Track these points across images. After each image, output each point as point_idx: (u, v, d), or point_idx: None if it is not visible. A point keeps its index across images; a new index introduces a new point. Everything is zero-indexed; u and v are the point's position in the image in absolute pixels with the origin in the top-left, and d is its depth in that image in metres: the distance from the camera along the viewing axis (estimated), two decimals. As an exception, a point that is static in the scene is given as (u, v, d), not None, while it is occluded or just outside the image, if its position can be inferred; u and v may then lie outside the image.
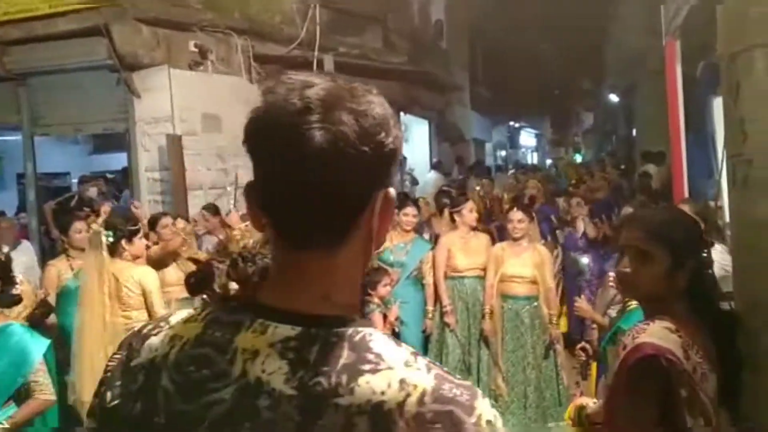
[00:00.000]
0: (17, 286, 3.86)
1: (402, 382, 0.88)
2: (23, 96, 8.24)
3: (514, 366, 5.80)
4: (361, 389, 0.87)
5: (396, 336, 2.71)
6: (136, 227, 4.90)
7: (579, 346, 4.11)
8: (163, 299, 4.66)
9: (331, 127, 0.89)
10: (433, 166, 14.69)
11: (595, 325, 4.67)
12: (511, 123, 31.35)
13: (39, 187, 8.79)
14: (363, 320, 0.96)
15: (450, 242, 6.20)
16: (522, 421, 5.71)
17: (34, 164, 8.55)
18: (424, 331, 6.11)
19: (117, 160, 10.64)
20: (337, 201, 0.91)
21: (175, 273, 5.17)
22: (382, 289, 5.24)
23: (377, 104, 0.94)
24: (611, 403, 2.00)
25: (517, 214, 5.86)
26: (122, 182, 9.73)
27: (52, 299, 4.94)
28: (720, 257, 3.11)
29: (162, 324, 1.02)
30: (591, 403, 2.63)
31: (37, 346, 3.51)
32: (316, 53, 9.54)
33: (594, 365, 4.09)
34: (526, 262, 5.80)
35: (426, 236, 7.14)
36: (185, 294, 4.56)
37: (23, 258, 6.45)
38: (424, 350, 5.90)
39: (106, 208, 6.92)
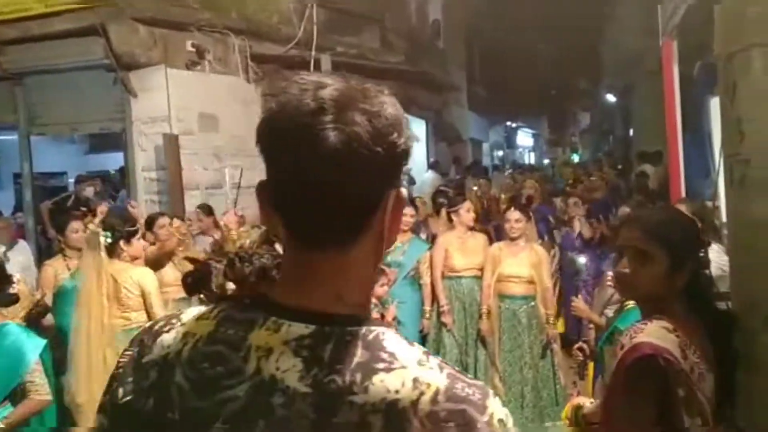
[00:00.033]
0: (14, 285, 3.85)
1: (415, 381, 0.89)
2: (20, 95, 8.22)
3: (511, 366, 5.80)
4: (376, 388, 0.88)
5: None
6: (135, 228, 4.89)
7: (576, 345, 4.11)
8: (161, 300, 4.66)
9: (345, 127, 0.89)
10: (431, 166, 14.69)
11: (592, 325, 4.67)
12: (508, 123, 31.35)
13: (35, 187, 8.78)
14: (375, 319, 0.97)
15: (447, 242, 6.20)
16: (519, 421, 5.70)
17: (31, 164, 8.52)
18: (421, 331, 6.11)
19: (113, 160, 10.63)
20: (350, 201, 0.92)
21: (172, 273, 5.16)
22: (380, 289, 5.23)
23: (389, 105, 0.95)
24: (609, 402, 2.00)
25: (514, 214, 5.86)
26: (119, 182, 9.72)
27: (48, 299, 4.92)
28: (717, 257, 3.11)
29: (174, 321, 1.03)
30: (588, 403, 2.63)
31: (33, 346, 3.50)
32: (313, 53, 9.53)
33: (591, 365, 4.09)
34: (523, 262, 5.80)
35: (423, 236, 7.14)
36: (182, 294, 4.55)
37: (20, 258, 6.44)
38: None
39: (102, 208, 6.89)
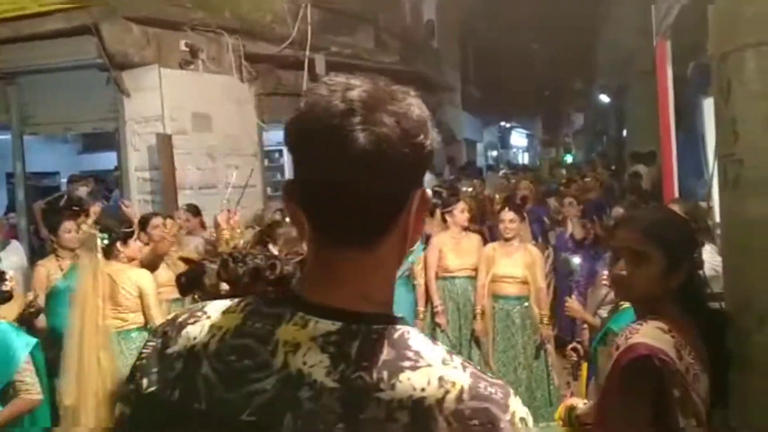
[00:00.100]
0: (6, 282, 3.84)
1: (441, 379, 0.91)
2: (12, 95, 8.18)
3: (505, 366, 5.80)
4: (403, 385, 0.90)
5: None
6: (131, 229, 4.90)
7: (570, 346, 4.10)
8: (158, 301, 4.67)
9: (374, 128, 0.90)
10: (425, 167, 14.65)
11: (585, 326, 4.67)
12: (503, 123, 31.44)
13: (28, 187, 8.73)
14: (399, 318, 0.99)
15: (441, 242, 6.20)
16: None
17: (23, 163, 8.48)
18: (415, 332, 6.09)
19: (106, 160, 10.59)
20: (377, 201, 0.93)
21: (165, 274, 5.14)
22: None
23: (416, 106, 0.96)
24: (604, 403, 1.99)
25: (508, 214, 5.86)
26: (113, 182, 9.68)
27: (41, 300, 4.90)
28: (710, 257, 3.12)
29: (198, 314, 1.04)
30: (581, 403, 2.63)
31: (23, 344, 3.49)
32: (307, 53, 9.52)
33: (584, 366, 4.09)
34: (517, 263, 5.80)
35: (417, 236, 7.12)
36: (176, 295, 4.55)
37: (13, 258, 6.41)
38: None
39: (95, 208, 6.87)
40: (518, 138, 36.55)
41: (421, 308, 6.16)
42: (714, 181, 3.25)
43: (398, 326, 0.96)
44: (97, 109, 8.11)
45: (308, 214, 0.97)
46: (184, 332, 1.01)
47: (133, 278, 4.58)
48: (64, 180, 10.51)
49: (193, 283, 3.12)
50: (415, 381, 0.90)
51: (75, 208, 7.35)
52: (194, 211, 6.93)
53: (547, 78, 27.42)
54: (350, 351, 0.92)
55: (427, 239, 6.73)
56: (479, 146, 25.92)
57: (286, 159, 11.34)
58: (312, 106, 0.94)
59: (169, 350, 1.00)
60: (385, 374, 0.90)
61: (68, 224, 5.33)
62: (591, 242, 7.18)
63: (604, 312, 4.13)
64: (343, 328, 0.94)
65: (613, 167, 15.86)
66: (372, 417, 0.88)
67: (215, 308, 1.04)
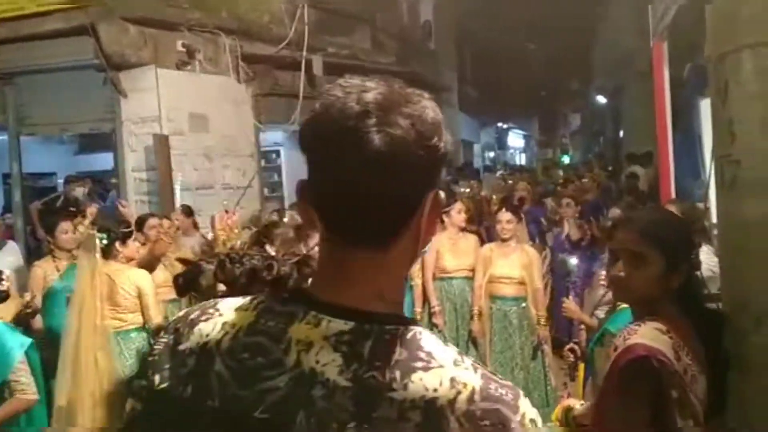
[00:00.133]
0: (3, 282, 3.83)
1: (452, 380, 0.92)
2: (9, 95, 8.16)
3: (503, 367, 5.79)
4: (415, 385, 0.90)
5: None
6: (130, 229, 4.90)
7: (567, 347, 4.11)
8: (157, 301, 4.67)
9: (389, 130, 0.91)
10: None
11: (582, 326, 4.67)
12: (499, 124, 31.41)
13: (25, 187, 8.72)
14: (411, 319, 1.01)
15: (438, 243, 6.19)
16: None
17: (20, 164, 8.45)
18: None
19: (103, 160, 10.58)
20: (392, 203, 0.94)
21: (162, 275, 5.14)
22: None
23: (431, 108, 0.97)
24: (602, 403, 1.99)
25: (505, 215, 5.86)
26: (110, 182, 9.68)
27: (38, 301, 4.89)
28: (707, 258, 3.12)
29: (210, 311, 1.04)
30: (578, 404, 2.63)
31: (18, 343, 3.48)
32: (304, 53, 9.52)
33: (581, 366, 4.09)
34: (514, 263, 5.80)
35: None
36: (173, 295, 4.54)
37: (9, 258, 6.40)
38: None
39: (92, 209, 6.87)
40: (515, 139, 36.54)
41: (418, 309, 6.16)
42: (711, 182, 3.25)
43: (410, 327, 0.97)
44: (94, 109, 8.11)
45: (322, 214, 0.98)
46: (196, 329, 1.02)
47: (132, 278, 4.59)
48: (60, 181, 10.51)
49: (190, 284, 3.11)
50: (427, 381, 0.91)
51: (72, 208, 7.36)
52: (187, 211, 6.93)
53: (544, 79, 27.44)
54: (363, 351, 0.93)
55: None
56: (476, 147, 25.90)
57: (283, 160, 11.34)
58: (327, 107, 0.94)
59: (182, 347, 1.01)
60: (397, 374, 0.91)
61: (65, 225, 5.31)
62: (588, 243, 7.18)
63: (601, 313, 4.14)
64: (356, 327, 0.94)
65: (610, 168, 15.87)
66: (384, 416, 0.89)
67: (228, 306, 1.04)
